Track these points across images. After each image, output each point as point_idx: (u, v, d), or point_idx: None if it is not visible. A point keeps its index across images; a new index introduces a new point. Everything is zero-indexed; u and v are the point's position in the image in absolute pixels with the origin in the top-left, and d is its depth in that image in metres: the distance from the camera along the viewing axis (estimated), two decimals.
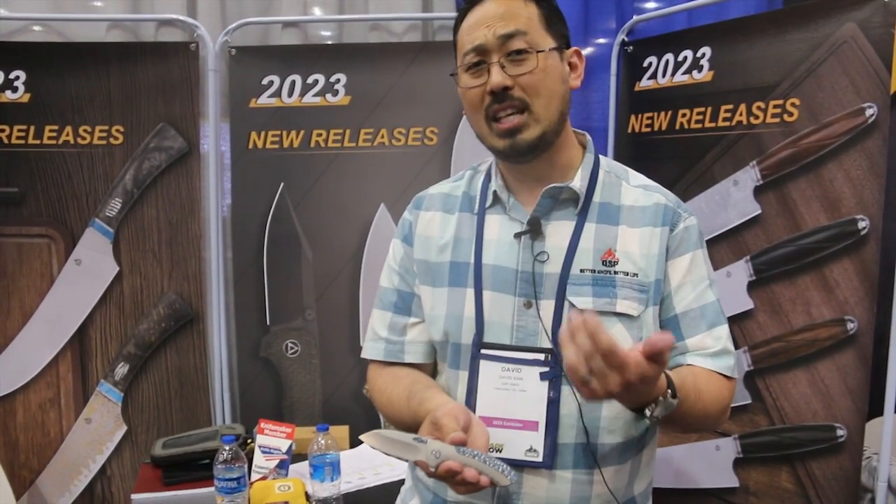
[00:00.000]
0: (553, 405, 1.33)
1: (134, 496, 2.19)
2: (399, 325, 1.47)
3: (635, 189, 1.40)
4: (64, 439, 2.81)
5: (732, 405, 2.36)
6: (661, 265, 1.36)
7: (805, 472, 2.32)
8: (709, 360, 1.37)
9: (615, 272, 1.33)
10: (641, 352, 1.07)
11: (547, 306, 1.34)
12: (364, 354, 1.52)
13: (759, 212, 2.39)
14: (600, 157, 1.43)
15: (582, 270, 1.33)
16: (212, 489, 2.02)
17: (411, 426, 1.33)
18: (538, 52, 1.30)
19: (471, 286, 1.37)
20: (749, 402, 2.41)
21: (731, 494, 2.48)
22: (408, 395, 1.38)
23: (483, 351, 1.35)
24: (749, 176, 2.41)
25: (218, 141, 2.82)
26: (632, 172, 1.46)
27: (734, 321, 2.40)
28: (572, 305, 1.32)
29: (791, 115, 2.30)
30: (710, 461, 2.50)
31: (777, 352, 2.35)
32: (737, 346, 2.34)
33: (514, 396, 1.34)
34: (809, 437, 2.30)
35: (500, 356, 1.35)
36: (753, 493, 2.44)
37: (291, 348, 2.79)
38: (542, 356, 1.33)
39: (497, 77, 1.29)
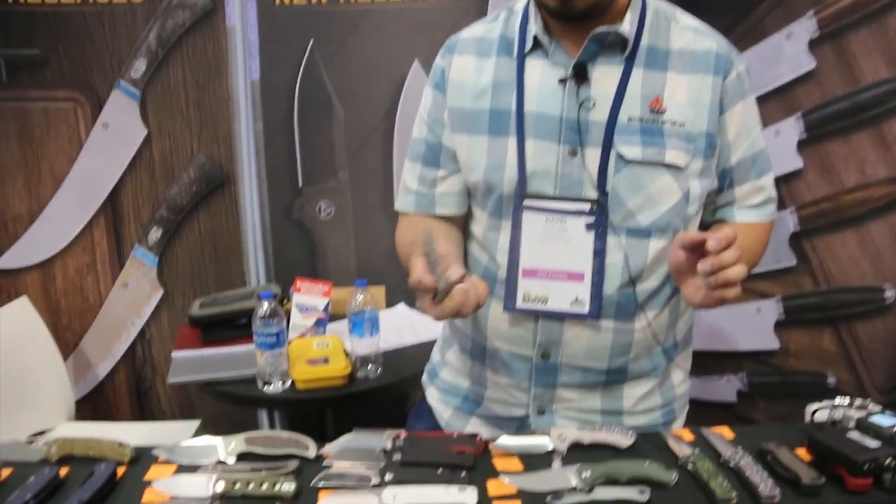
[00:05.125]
0: (599, 255, 1.29)
1: (174, 354, 2.22)
2: (429, 178, 1.43)
3: (685, 31, 1.32)
4: (103, 304, 2.85)
5: (776, 267, 2.35)
6: (712, 117, 1.29)
7: (849, 334, 2.29)
8: (753, 212, 1.39)
9: (663, 121, 1.27)
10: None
11: (592, 155, 1.28)
12: (396, 206, 1.50)
13: (814, 66, 2.25)
14: None
15: (630, 118, 1.27)
16: (251, 346, 2.02)
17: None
18: None
19: (513, 134, 1.31)
20: (794, 263, 2.36)
21: (770, 357, 2.46)
22: (413, 240, 1.35)
23: (526, 202, 1.30)
24: (804, 27, 2.26)
25: None
26: (680, 11, 1.36)
27: (781, 182, 2.31)
28: (619, 155, 1.27)
29: None
30: (749, 323, 2.47)
31: (826, 212, 2.27)
32: (783, 207, 2.26)
33: (558, 248, 1.30)
34: (856, 299, 2.25)
35: (543, 207, 1.30)
36: (794, 355, 2.41)
37: (325, 210, 2.75)
38: (586, 206, 1.29)
39: None
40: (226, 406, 2.72)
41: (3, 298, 2.71)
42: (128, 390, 2.93)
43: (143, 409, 2.96)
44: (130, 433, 2.38)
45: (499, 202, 1.34)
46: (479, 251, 1.40)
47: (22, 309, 2.53)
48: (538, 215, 1.30)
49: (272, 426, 2.88)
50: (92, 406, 2.92)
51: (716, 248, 1.08)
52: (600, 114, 1.27)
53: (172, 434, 2.37)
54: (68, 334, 2.86)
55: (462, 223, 1.46)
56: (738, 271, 1.10)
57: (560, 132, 1.28)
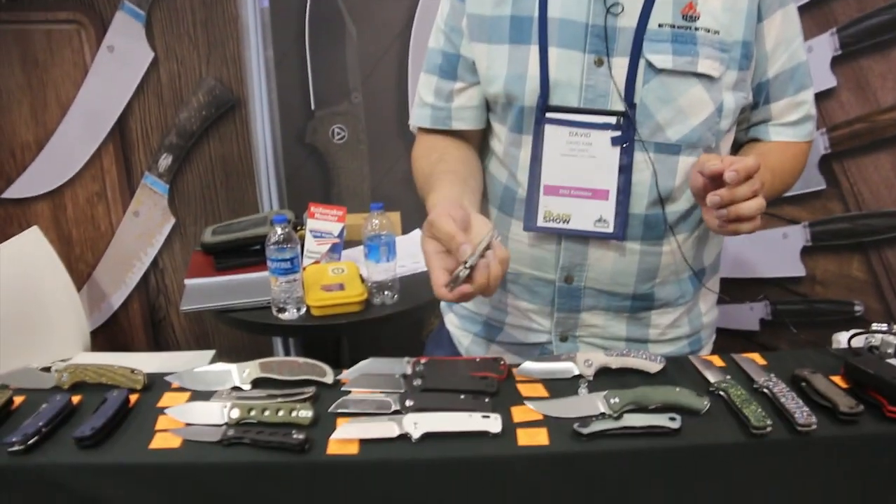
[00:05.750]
0: (625, 172, 1.23)
1: (187, 281, 2.19)
2: (445, 91, 1.36)
3: None
4: (115, 233, 2.82)
5: (804, 191, 2.27)
6: (749, 25, 1.21)
7: (879, 261, 2.23)
8: (789, 130, 1.32)
9: (696, 28, 1.19)
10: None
11: (620, 64, 1.20)
12: (411, 122, 1.43)
13: None
14: None
15: (660, 25, 1.19)
16: (265, 274, 1.98)
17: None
18: None
19: (535, 43, 1.23)
20: (823, 187, 2.28)
21: (795, 284, 2.40)
22: (429, 173, 1.29)
23: (548, 114, 1.24)
24: None
25: None
26: None
27: None
28: (649, 63, 1.19)
29: None
30: (775, 250, 2.40)
31: (860, 133, 2.18)
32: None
33: (582, 163, 1.24)
34: (888, 224, 2.18)
35: (567, 120, 1.23)
36: (820, 283, 2.36)
37: (338, 133, 2.68)
38: (613, 119, 1.22)
39: None
40: (241, 335, 2.71)
41: (14, 229, 2.69)
42: (142, 320, 2.92)
43: (159, 340, 2.96)
44: (145, 363, 2.37)
45: (519, 115, 1.27)
46: (499, 169, 1.34)
47: (33, 239, 2.50)
48: (561, 129, 1.23)
49: (287, 355, 2.87)
50: (107, 337, 2.92)
51: (733, 179, 1.03)
52: (629, 20, 1.19)
53: (187, 364, 2.35)
54: (81, 265, 2.84)
55: (479, 140, 1.40)
56: (751, 206, 1.05)
57: (585, 40, 1.21)
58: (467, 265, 0.99)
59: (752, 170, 1.04)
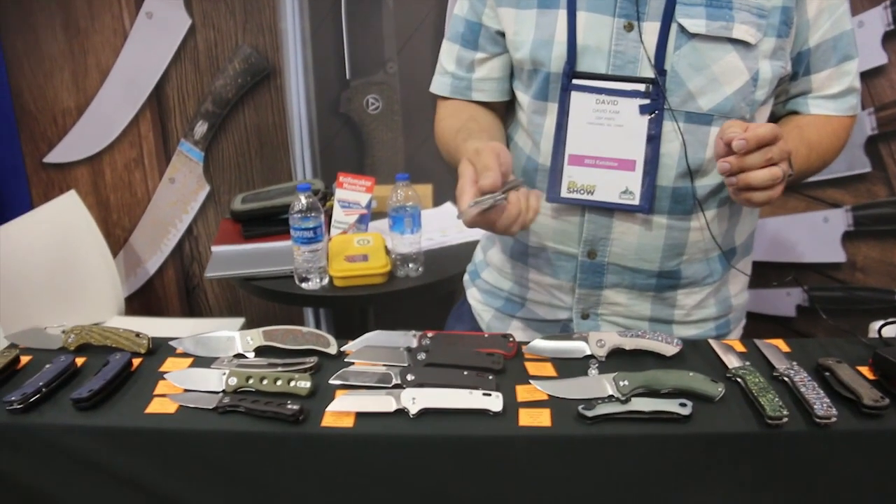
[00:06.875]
0: (653, 142, 1.18)
1: (214, 248, 2.19)
2: (466, 60, 1.33)
3: None
4: (151, 199, 2.84)
5: (847, 174, 2.19)
6: None
7: None
8: (830, 103, 1.26)
9: None
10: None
11: (651, 29, 1.15)
12: (431, 88, 1.41)
13: None
14: None
15: None
16: (290, 243, 1.97)
17: (453, 160, 1.23)
18: None
19: (563, 7, 1.19)
20: (868, 170, 2.19)
21: (834, 270, 2.31)
22: (459, 128, 1.27)
23: (575, 81, 1.19)
24: None
25: None
26: None
27: (861, 78, 2.12)
28: (681, 28, 1.14)
29: None
30: (814, 234, 2.32)
31: None
32: (862, 108, 2.08)
33: (608, 132, 1.20)
34: None
35: (594, 87, 1.19)
36: (860, 270, 2.27)
37: (372, 104, 2.65)
38: (642, 87, 1.17)
39: None
40: (273, 304, 2.72)
41: (55, 193, 2.73)
42: (176, 287, 2.95)
43: (192, 307, 2.98)
44: (176, 329, 2.39)
45: (545, 82, 1.23)
46: (524, 139, 1.30)
47: (70, 203, 2.53)
48: (588, 96, 1.19)
49: (318, 325, 2.87)
50: (142, 302, 2.95)
51: (740, 148, 1.00)
52: None
53: (217, 330, 2.37)
54: (118, 230, 2.88)
55: (503, 112, 1.37)
56: (762, 176, 1.01)
57: (615, 3, 1.16)
58: (489, 198, 1.00)
59: (764, 139, 1.00)
